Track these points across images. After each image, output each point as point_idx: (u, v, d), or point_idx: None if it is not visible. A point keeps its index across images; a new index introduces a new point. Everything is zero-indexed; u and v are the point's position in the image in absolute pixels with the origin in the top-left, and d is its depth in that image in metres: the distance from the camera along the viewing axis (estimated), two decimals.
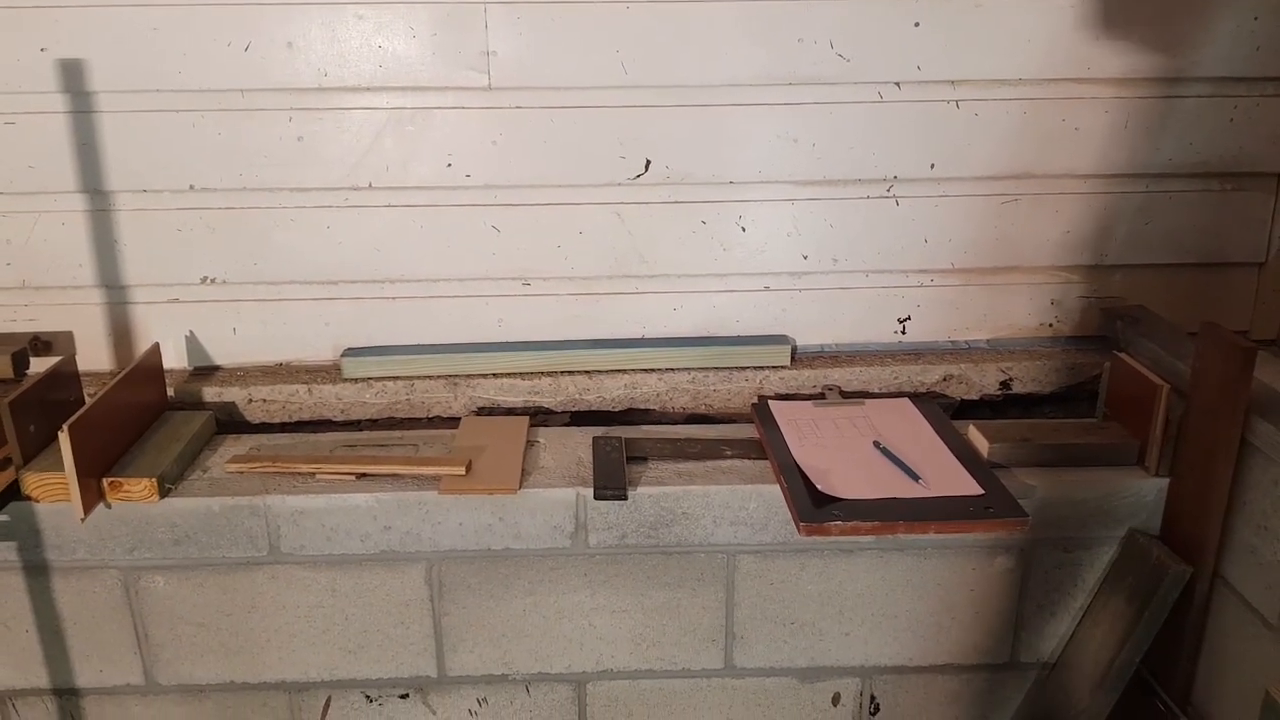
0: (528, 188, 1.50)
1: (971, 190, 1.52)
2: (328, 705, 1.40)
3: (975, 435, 1.39)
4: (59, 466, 1.26)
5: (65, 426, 1.19)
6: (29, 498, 1.28)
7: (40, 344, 1.53)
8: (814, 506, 1.23)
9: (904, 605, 1.38)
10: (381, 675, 1.39)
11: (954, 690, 1.44)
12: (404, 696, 1.41)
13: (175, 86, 1.42)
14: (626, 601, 1.37)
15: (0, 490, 1.26)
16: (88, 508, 1.25)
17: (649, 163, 1.49)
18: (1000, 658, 1.42)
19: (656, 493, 1.32)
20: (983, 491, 1.26)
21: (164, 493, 1.29)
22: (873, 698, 1.44)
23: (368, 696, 1.41)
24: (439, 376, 1.53)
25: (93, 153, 1.45)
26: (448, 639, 1.37)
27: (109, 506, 1.28)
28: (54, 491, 1.27)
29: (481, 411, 1.54)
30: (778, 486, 1.31)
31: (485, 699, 1.41)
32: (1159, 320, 1.53)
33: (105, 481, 1.27)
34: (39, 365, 1.43)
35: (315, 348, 1.56)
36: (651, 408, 1.57)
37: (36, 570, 1.32)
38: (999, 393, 1.57)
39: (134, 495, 1.27)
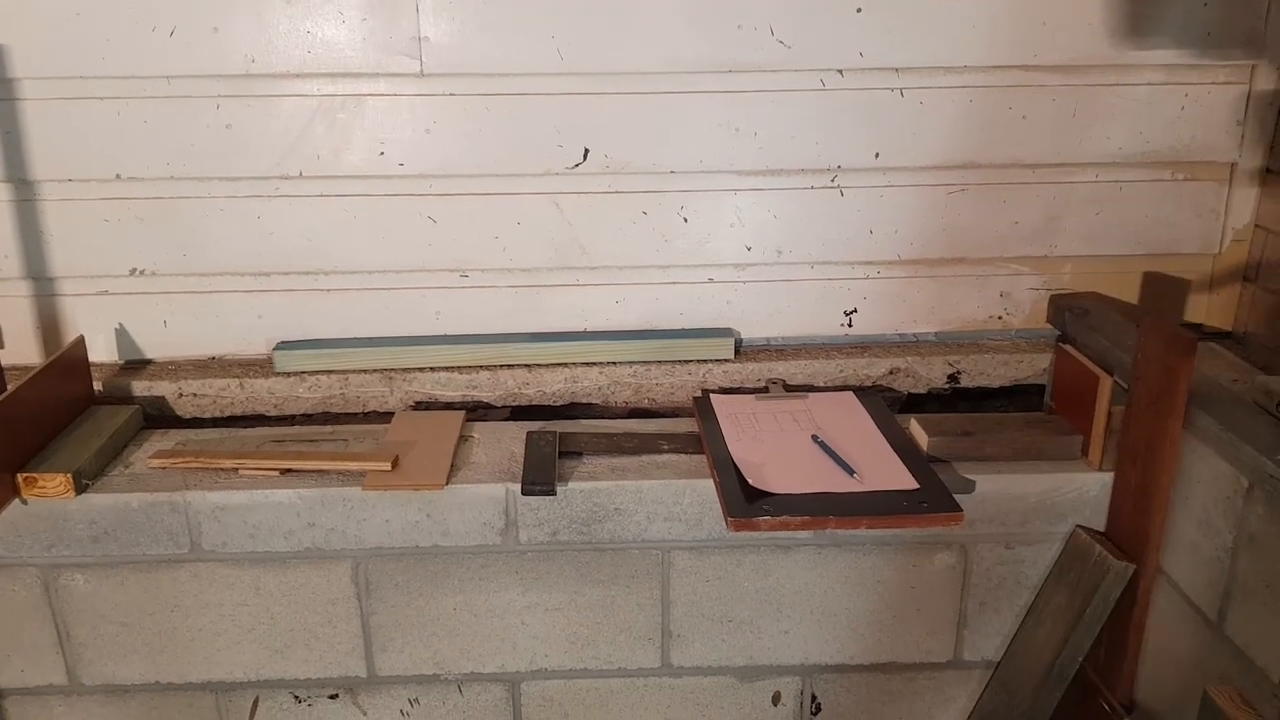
0: (463, 177, 1.46)
1: (917, 180, 1.49)
2: (255, 706, 1.37)
3: (916, 429, 1.36)
4: None
5: None
6: None
7: None
8: (746, 502, 1.21)
9: (843, 603, 1.35)
10: (310, 675, 1.36)
11: (897, 689, 1.41)
12: (334, 697, 1.38)
13: (99, 73, 1.39)
14: (559, 599, 1.34)
15: None
16: (1, 503, 1.21)
17: (587, 151, 1.46)
18: (943, 656, 1.39)
19: (588, 488, 1.29)
20: (918, 486, 1.23)
21: (80, 489, 1.25)
22: (814, 697, 1.41)
23: (296, 697, 1.37)
24: (374, 370, 1.50)
25: (16, 141, 1.41)
26: (376, 638, 1.34)
27: (25, 502, 1.25)
28: None
29: (419, 406, 1.51)
30: (712, 481, 1.28)
31: (417, 699, 1.38)
32: (1109, 312, 1.50)
33: (20, 477, 1.24)
34: None
35: (248, 341, 1.53)
36: (594, 402, 1.54)
37: None
38: (947, 386, 1.54)
39: (49, 491, 1.24)
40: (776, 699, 1.40)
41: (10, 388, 1.27)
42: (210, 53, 1.38)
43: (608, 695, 1.39)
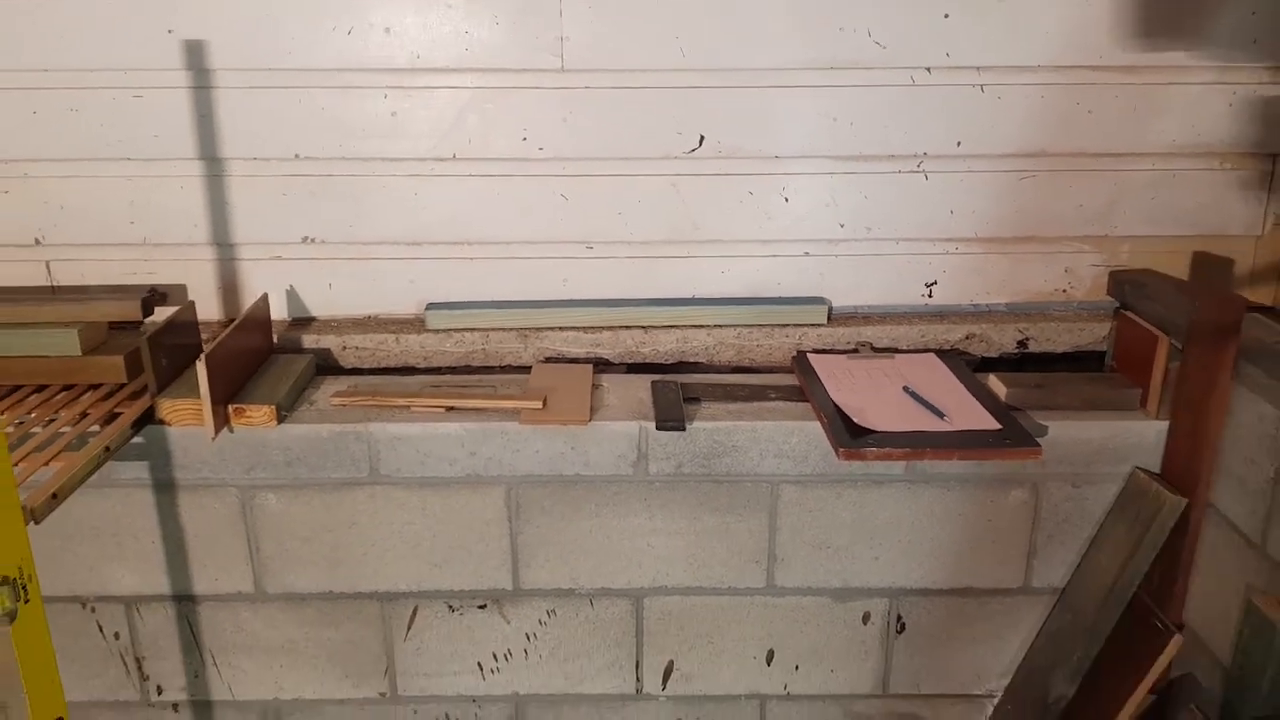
0: (593, 160, 1.67)
1: (994, 166, 1.68)
2: (415, 614, 1.58)
3: (994, 383, 1.56)
4: (189, 394, 1.45)
5: (203, 356, 1.37)
6: (162, 421, 1.46)
7: (157, 295, 1.71)
8: (851, 437, 1.40)
9: (928, 533, 1.55)
10: (463, 587, 1.57)
11: (972, 612, 1.60)
12: (482, 607, 1.59)
13: (285, 65, 1.60)
14: (681, 525, 1.54)
15: (137, 416, 1.45)
16: (217, 429, 1.43)
17: (703, 138, 1.66)
18: (1014, 583, 1.58)
19: (710, 427, 1.49)
20: (1000, 427, 1.42)
21: (281, 419, 1.47)
22: (899, 617, 1.60)
23: (450, 606, 1.58)
24: (511, 329, 1.71)
25: (210, 124, 1.63)
26: (522, 556, 1.55)
27: (232, 430, 1.47)
28: (184, 416, 1.45)
29: (548, 361, 1.72)
30: (818, 424, 1.48)
31: (554, 610, 1.59)
32: (1163, 285, 1.68)
33: (231, 408, 1.45)
34: (158, 314, 1.62)
35: (401, 302, 1.74)
36: (700, 360, 1.74)
37: (164, 488, 1.51)
38: (1016, 351, 1.73)
39: (255, 420, 1.46)
40: (866, 618, 1.60)
41: (218, 338, 1.49)
42: (381, 49, 1.60)
43: (718, 611, 1.59)
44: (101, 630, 1.59)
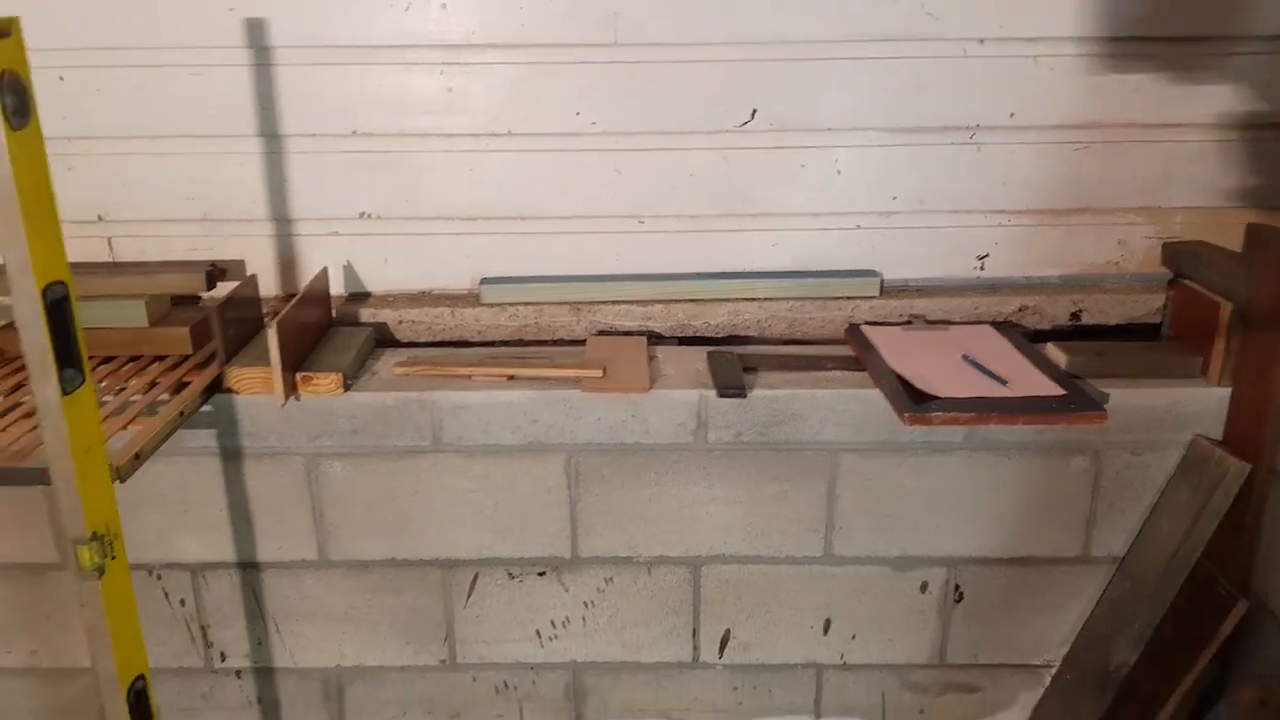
0: (645, 134, 1.68)
1: (1046, 138, 1.68)
2: (475, 581, 1.60)
3: (1053, 351, 1.56)
4: (257, 363, 1.47)
5: (274, 323, 1.39)
6: (230, 390, 1.48)
7: (217, 270, 1.74)
8: (914, 402, 1.41)
9: (988, 502, 1.55)
10: (523, 555, 1.58)
11: (1032, 581, 1.60)
12: (541, 574, 1.60)
13: (343, 42, 1.62)
14: (739, 493, 1.55)
15: (206, 384, 1.47)
16: (286, 396, 1.45)
17: (755, 111, 1.67)
18: (1074, 551, 1.58)
19: (769, 395, 1.50)
20: (1064, 392, 1.43)
21: (346, 387, 1.49)
22: (957, 586, 1.60)
23: (510, 574, 1.60)
24: (564, 303, 1.72)
25: (269, 101, 1.65)
26: (581, 523, 1.56)
27: (298, 399, 1.49)
28: (252, 385, 1.48)
29: (601, 334, 1.73)
30: (878, 391, 1.48)
31: (611, 578, 1.60)
32: (1216, 255, 1.68)
33: (299, 376, 1.47)
34: (218, 289, 1.65)
35: (456, 276, 1.76)
36: (751, 334, 1.74)
37: (231, 456, 1.53)
38: (1069, 323, 1.73)
39: (322, 388, 1.48)
40: (925, 587, 1.60)
41: (283, 310, 1.51)
42: (437, 26, 1.62)
43: (776, 580, 1.60)
44: (167, 597, 1.61)
